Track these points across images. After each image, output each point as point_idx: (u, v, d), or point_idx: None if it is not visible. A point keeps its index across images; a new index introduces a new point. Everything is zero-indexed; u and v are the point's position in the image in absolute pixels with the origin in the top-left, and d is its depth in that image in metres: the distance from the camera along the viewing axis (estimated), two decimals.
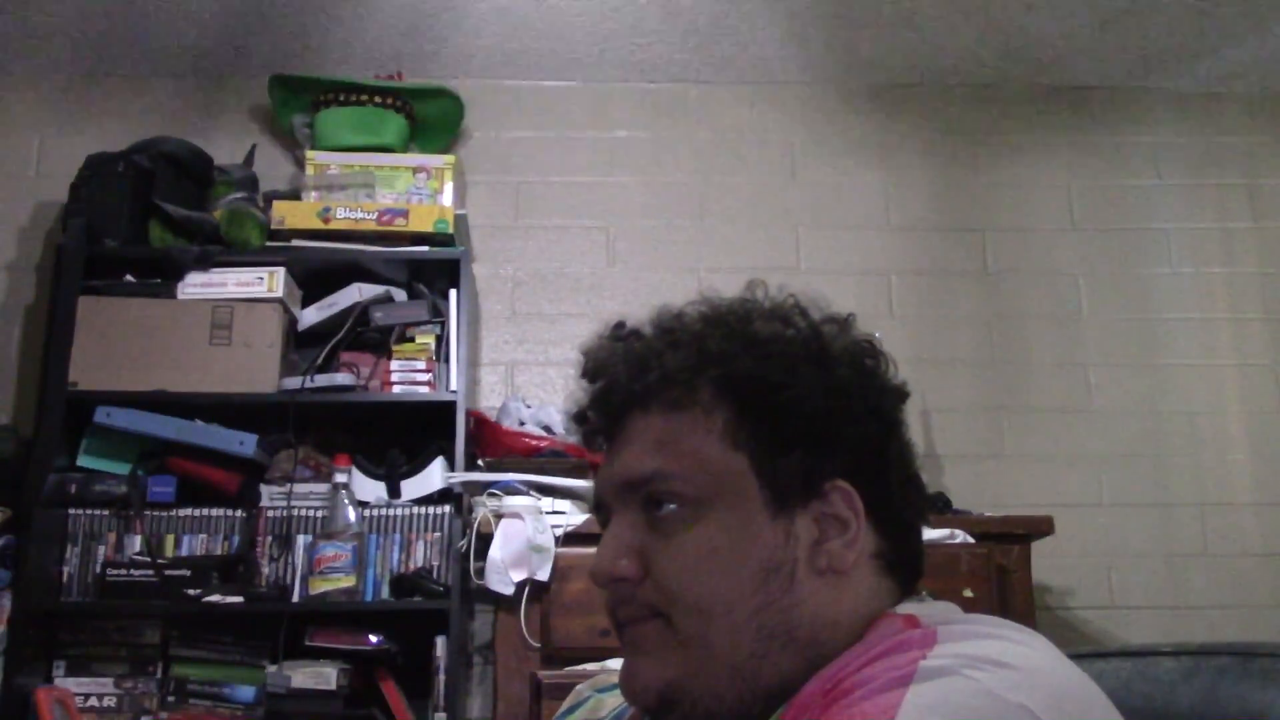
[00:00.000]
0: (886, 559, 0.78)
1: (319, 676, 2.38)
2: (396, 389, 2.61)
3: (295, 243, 2.68)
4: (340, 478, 2.53)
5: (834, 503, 0.76)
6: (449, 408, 2.58)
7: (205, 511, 2.55)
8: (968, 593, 2.28)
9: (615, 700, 0.90)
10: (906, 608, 0.76)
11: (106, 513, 2.51)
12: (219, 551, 2.52)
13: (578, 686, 1.00)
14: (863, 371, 0.80)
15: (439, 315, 2.71)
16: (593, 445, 0.85)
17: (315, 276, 2.73)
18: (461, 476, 2.52)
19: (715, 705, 0.74)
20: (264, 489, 2.58)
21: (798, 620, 0.74)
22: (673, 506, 0.76)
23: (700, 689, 0.74)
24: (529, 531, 2.31)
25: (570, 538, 2.33)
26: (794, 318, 0.81)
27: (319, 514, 2.53)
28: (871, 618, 0.75)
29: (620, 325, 0.85)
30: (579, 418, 0.85)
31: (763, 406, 0.77)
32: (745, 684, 0.74)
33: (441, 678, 2.41)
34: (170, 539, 2.53)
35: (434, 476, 2.57)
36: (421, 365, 2.63)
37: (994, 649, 0.66)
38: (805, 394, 0.76)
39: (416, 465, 2.61)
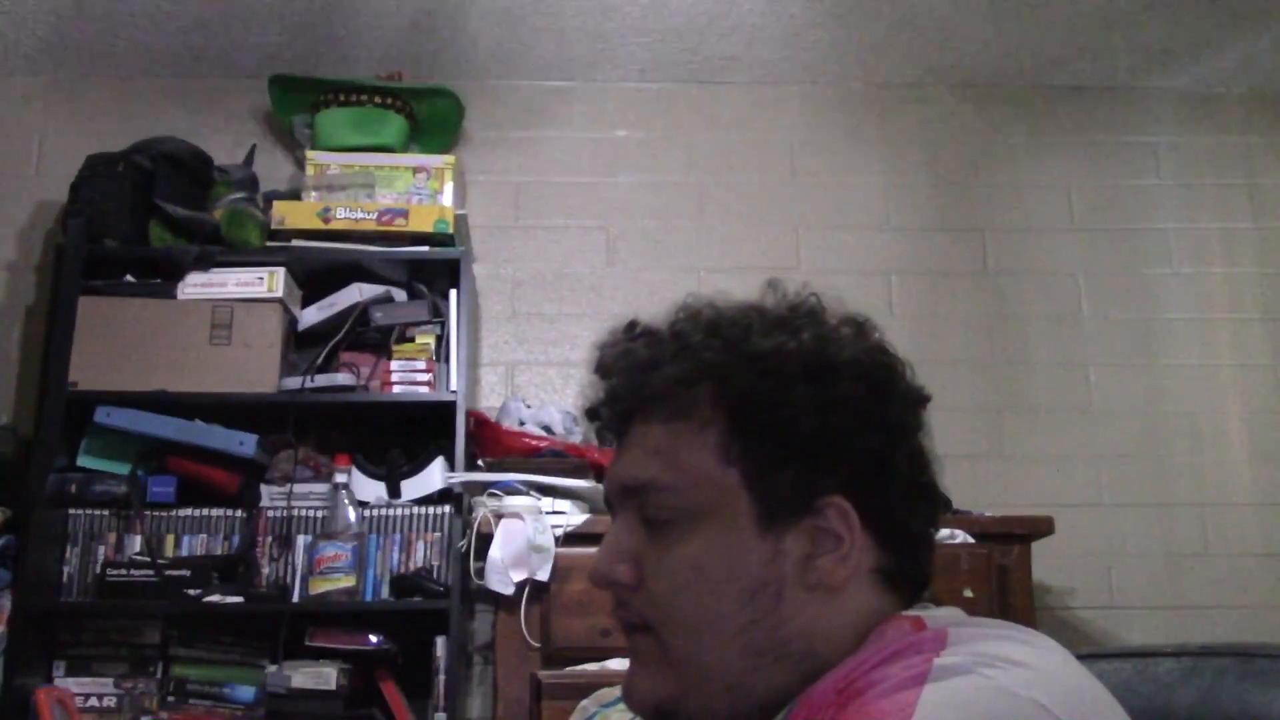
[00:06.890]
0: (887, 573, 0.77)
1: (319, 676, 2.38)
2: (396, 389, 2.61)
3: (295, 243, 2.68)
4: (340, 478, 2.53)
5: (828, 518, 0.75)
6: (449, 408, 2.58)
7: (205, 511, 2.55)
8: (968, 593, 2.28)
9: (620, 718, 0.90)
10: (912, 611, 0.76)
11: (106, 513, 2.51)
12: (219, 551, 2.52)
13: (582, 702, 1.01)
14: (869, 382, 0.78)
15: (439, 315, 2.71)
16: (604, 441, 0.86)
17: (315, 276, 2.73)
18: (461, 476, 2.52)
19: (711, 719, 0.75)
20: (264, 489, 2.58)
21: (787, 636, 0.74)
22: (667, 518, 0.77)
23: (695, 705, 0.75)
24: (529, 531, 2.31)
25: (570, 538, 2.32)
26: (800, 327, 0.79)
27: (319, 514, 2.53)
28: (872, 628, 0.75)
29: (633, 324, 0.85)
30: (591, 414, 0.86)
31: (755, 424, 0.76)
32: (740, 699, 0.74)
33: (441, 678, 2.41)
34: (170, 539, 2.53)
35: (434, 476, 2.57)
36: (421, 365, 2.63)
37: (1006, 649, 0.66)
38: (799, 413, 0.75)
39: (416, 465, 2.61)
